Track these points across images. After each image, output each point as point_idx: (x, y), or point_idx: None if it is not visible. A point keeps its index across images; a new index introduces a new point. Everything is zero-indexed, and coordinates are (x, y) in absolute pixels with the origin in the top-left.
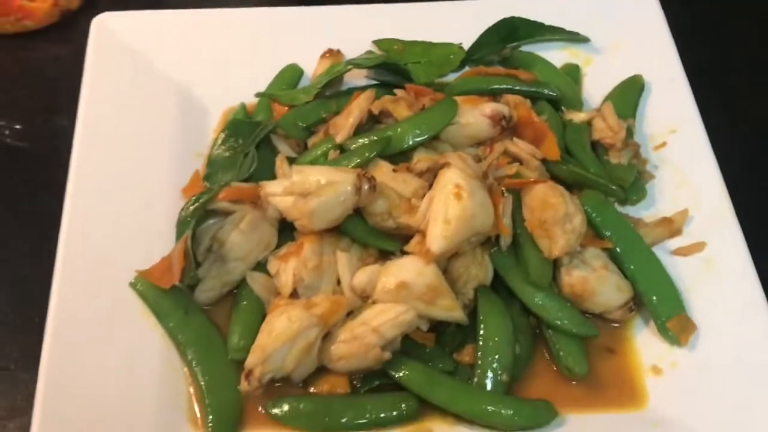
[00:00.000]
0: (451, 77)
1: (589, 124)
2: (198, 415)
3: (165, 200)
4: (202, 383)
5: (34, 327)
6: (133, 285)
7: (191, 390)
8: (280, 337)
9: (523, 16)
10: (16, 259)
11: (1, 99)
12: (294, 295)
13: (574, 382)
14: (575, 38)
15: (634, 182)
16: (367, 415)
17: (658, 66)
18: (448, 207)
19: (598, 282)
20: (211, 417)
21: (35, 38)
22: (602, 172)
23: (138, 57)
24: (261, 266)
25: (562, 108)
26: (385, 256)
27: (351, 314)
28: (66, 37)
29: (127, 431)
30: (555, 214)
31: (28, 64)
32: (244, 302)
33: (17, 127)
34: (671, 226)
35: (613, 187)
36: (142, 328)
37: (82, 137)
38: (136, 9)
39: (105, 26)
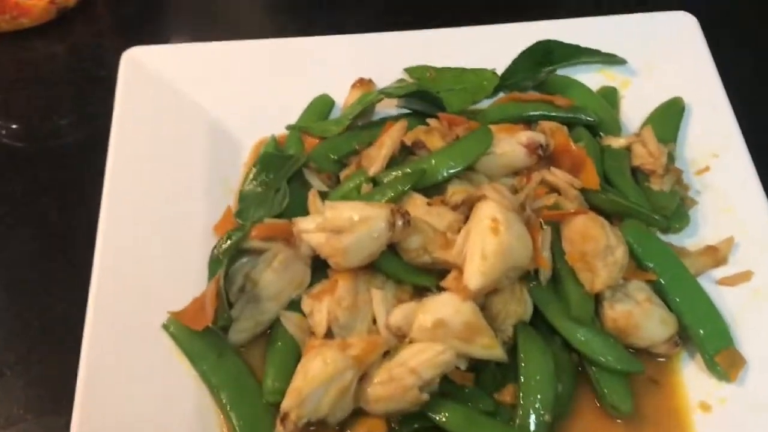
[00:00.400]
0: (485, 103)
1: (628, 149)
2: None
3: (197, 237)
4: (237, 427)
5: (32, 332)
6: (166, 327)
7: None
8: (315, 379)
9: (558, 38)
10: (15, 262)
11: None
12: (329, 334)
13: (619, 420)
14: (612, 60)
15: (676, 209)
16: None
17: (698, 87)
18: (485, 242)
19: (642, 316)
20: None
21: (31, 36)
22: (643, 201)
23: (168, 90)
24: (295, 305)
25: (600, 133)
26: (420, 292)
27: (387, 354)
28: (63, 35)
29: None
30: (596, 247)
31: (24, 63)
32: (279, 343)
33: (14, 126)
34: (716, 255)
35: (656, 217)
36: (175, 372)
37: (113, 173)
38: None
39: (135, 60)
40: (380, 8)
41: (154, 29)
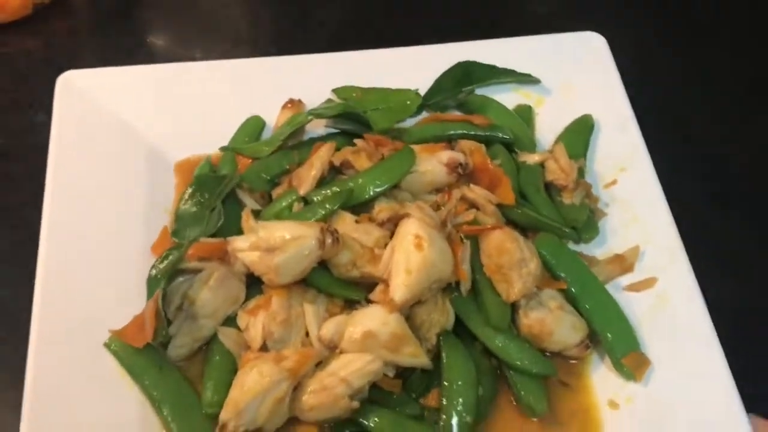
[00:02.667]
0: (409, 122)
1: (542, 165)
2: None
3: (136, 257)
4: None
5: (9, 334)
6: (107, 345)
7: None
8: (251, 391)
9: (476, 59)
10: None
11: None
12: (264, 347)
13: (535, 420)
14: (527, 80)
15: (586, 221)
16: None
17: (607, 105)
18: (409, 257)
19: (554, 322)
20: None
21: (6, 31)
22: (556, 215)
23: (103, 113)
24: (231, 320)
25: (516, 150)
26: (351, 305)
27: (320, 364)
28: (39, 31)
29: None
30: (511, 259)
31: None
32: (216, 357)
33: None
34: (623, 263)
35: (566, 230)
36: (118, 387)
37: (52, 196)
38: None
39: (70, 84)
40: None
41: (130, 25)
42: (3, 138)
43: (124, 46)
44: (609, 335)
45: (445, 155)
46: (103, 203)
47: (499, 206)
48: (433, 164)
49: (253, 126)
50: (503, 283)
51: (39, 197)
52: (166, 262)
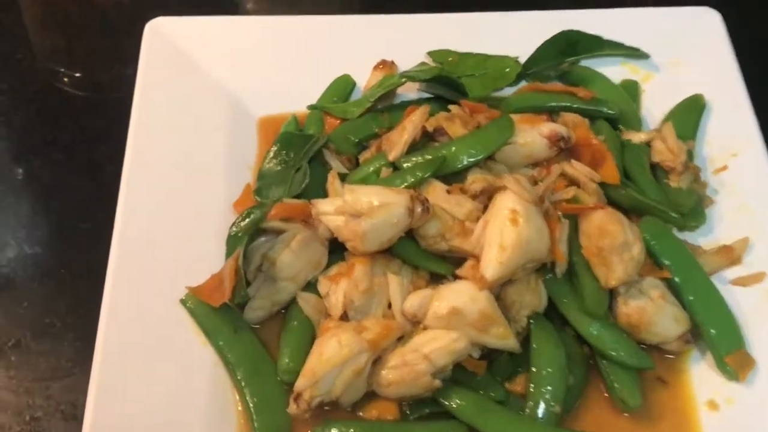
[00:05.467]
0: (506, 91)
1: (648, 144)
2: None
3: (216, 214)
4: (251, 404)
5: (83, 282)
6: (183, 302)
7: (240, 409)
8: (330, 361)
9: (582, 29)
10: (70, 210)
11: (61, 45)
12: (344, 316)
13: (626, 414)
14: (635, 54)
15: (693, 207)
16: None
17: (719, 85)
18: (504, 232)
19: (655, 313)
20: None
21: None
22: (663, 198)
23: (190, 63)
24: (311, 286)
25: (620, 127)
26: (436, 279)
27: (401, 339)
28: None
29: None
30: (613, 242)
31: (90, 10)
32: (294, 323)
33: (77, 75)
34: (731, 255)
35: (674, 215)
36: (192, 346)
37: (134, 145)
38: None
39: (158, 30)
40: None
41: None
42: (91, 91)
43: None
44: (712, 331)
45: (546, 127)
46: (185, 155)
47: (602, 185)
48: (532, 136)
49: (343, 85)
50: (602, 267)
51: (123, 151)
52: (247, 220)
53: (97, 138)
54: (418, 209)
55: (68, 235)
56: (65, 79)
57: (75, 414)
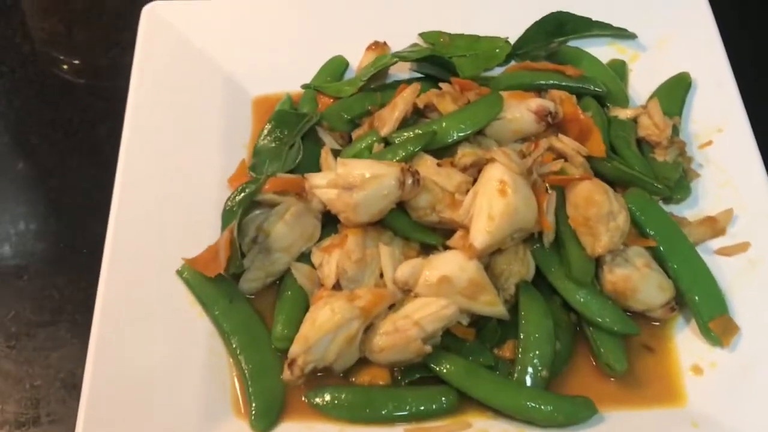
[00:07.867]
0: (496, 71)
1: (634, 121)
2: (241, 402)
3: (211, 189)
4: (246, 371)
5: (82, 255)
6: (179, 273)
7: (235, 377)
8: (323, 327)
9: (571, 10)
10: (69, 187)
11: (61, 32)
12: (337, 286)
13: (613, 379)
14: (622, 34)
15: (678, 180)
16: (407, 407)
17: (705, 63)
18: (492, 203)
19: (640, 280)
20: (254, 404)
21: None
22: (647, 170)
23: (186, 45)
24: (304, 257)
25: (608, 104)
26: (427, 250)
27: (393, 307)
28: None
29: (171, 417)
30: (599, 212)
31: None
32: (288, 292)
33: (76, 62)
34: (715, 226)
35: (658, 185)
36: (188, 316)
37: (132, 123)
38: None
39: (155, 15)
40: None
41: None
42: (88, 79)
43: None
44: (696, 297)
45: (534, 103)
46: (182, 134)
47: (588, 158)
48: (521, 111)
49: (336, 66)
50: (589, 236)
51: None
52: (242, 194)
53: (96, 119)
54: (409, 181)
55: (67, 211)
56: (64, 66)
57: (74, 383)
